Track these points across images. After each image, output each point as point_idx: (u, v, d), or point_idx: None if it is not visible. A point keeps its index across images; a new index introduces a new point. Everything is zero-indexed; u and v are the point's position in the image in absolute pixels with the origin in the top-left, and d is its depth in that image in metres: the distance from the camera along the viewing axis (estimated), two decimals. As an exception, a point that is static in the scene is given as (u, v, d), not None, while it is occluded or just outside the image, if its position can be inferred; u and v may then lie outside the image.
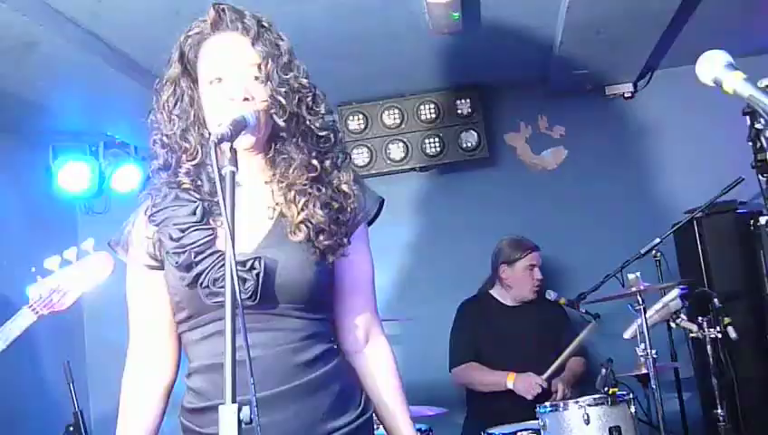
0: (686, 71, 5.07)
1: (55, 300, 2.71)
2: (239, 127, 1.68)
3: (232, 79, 1.80)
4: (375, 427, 2.00)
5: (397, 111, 5.32)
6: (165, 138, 1.87)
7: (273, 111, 1.81)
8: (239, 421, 1.36)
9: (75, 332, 5.18)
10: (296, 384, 1.80)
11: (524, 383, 4.24)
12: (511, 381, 4.27)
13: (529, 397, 4.19)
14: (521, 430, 3.86)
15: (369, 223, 2.01)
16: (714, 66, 1.57)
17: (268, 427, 1.73)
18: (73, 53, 3.84)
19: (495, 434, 3.86)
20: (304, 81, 1.86)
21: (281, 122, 1.83)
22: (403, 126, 5.32)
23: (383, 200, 2.02)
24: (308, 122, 1.87)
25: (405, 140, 5.31)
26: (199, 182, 1.87)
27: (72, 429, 4.01)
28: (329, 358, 1.88)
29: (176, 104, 1.86)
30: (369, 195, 1.99)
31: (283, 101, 1.82)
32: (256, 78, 1.81)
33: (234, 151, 1.60)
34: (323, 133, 1.89)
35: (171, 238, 1.83)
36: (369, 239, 2.02)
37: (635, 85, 5.33)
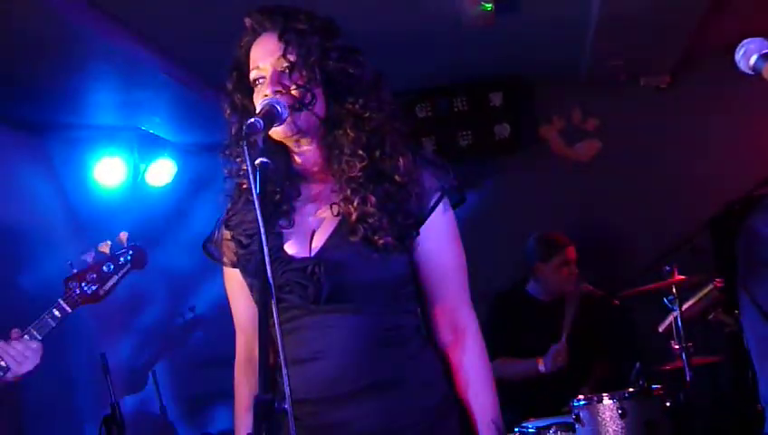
0: (723, 60, 5.03)
1: (90, 292, 2.76)
2: (270, 117, 1.69)
3: (267, 76, 1.81)
4: None
5: (429, 103, 5.30)
6: (228, 148, 1.90)
7: (305, 99, 1.78)
8: (271, 413, 1.36)
9: (111, 324, 5.24)
10: (371, 382, 1.79)
11: (550, 357, 4.24)
12: (540, 364, 4.27)
13: (560, 363, 4.19)
14: (555, 423, 3.83)
15: (455, 206, 1.91)
16: (752, 54, 1.54)
17: (344, 425, 1.77)
18: (108, 48, 3.88)
19: (529, 427, 3.84)
20: (333, 63, 1.80)
21: (319, 110, 1.81)
22: (435, 120, 5.30)
23: (459, 183, 1.90)
24: (349, 106, 1.82)
25: (437, 132, 5.29)
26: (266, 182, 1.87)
27: (108, 420, 4.07)
28: (409, 352, 1.85)
29: (233, 115, 1.89)
30: (438, 179, 1.87)
31: (311, 87, 1.78)
32: (284, 69, 1.80)
33: (266, 142, 1.60)
34: (368, 115, 1.82)
35: (241, 245, 1.87)
36: (453, 224, 1.90)
37: (671, 75, 5.24)
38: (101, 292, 2.77)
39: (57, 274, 2.86)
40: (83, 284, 2.75)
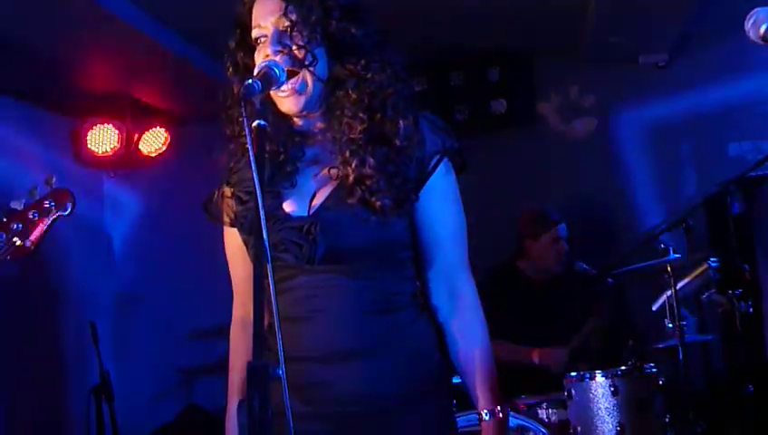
0: (722, 39, 5.02)
1: (17, 244, 2.45)
2: (267, 79, 1.66)
3: (268, 36, 1.78)
4: None
5: (425, 78, 5.25)
6: (229, 108, 1.87)
7: (306, 60, 1.75)
8: (267, 376, 1.34)
9: (101, 290, 5.21)
10: (361, 346, 1.77)
11: (549, 358, 4.22)
12: (536, 357, 4.25)
13: (556, 370, 4.16)
14: (546, 401, 3.83)
15: (457, 173, 1.89)
16: (763, 23, 1.51)
17: (329, 386, 1.76)
18: (101, 15, 3.82)
19: (520, 404, 3.83)
20: (335, 23, 1.76)
21: (321, 70, 1.78)
22: (431, 94, 5.25)
23: (460, 148, 1.88)
24: (351, 66, 1.78)
25: (433, 107, 5.23)
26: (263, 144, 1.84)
27: (98, 389, 4.06)
28: (402, 319, 1.82)
29: (236, 74, 1.86)
30: (441, 141, 1.86)
31: (312, 47, 1.75)
32: (285, 28, 1.76)
33: (266, 103, 1.57)
34: (370, 76, 1.78)
35: (240, 202, 1.85)
36: (455, 187, 1.89)
37: (670, 53, 5.21)
38: (28, 244, 2.45)
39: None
40: (8, 235, 2.43)
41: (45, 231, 2.47)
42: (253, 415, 1.32)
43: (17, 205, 2.45)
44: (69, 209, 2.49)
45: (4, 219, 2.43)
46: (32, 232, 2.44)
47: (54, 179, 2.49)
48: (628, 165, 5.19)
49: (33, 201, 2.45)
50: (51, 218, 2.47)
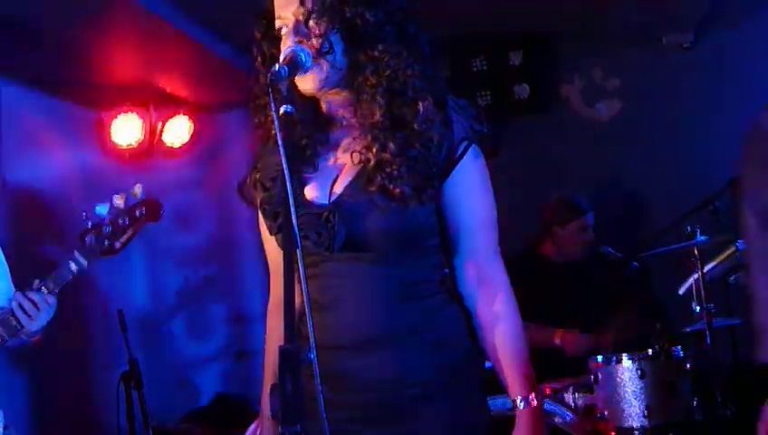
0: (749, 19, 4.94)
1: (106, 245, 2.73)
2: (294, 64, 1.68)
3: (289, 26, 1.79)
4: None
5: (447, 64, 5.22)
6: (257, 97, 1.88)
7: (322, 49, 1.75)
8: (297, 364, 1.35)
9: (129, 279, 5.25)
10: (385, 334, 1.77)
11: (570, 342, 4.21)
12: (558, 338, 4.24)
13: (578, 354, 4.15)
14: (572, 385, 3.81)
15: (487, 157, 1.87)
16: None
17: (355, 375, 1.76)
18: (125, 4, 3.83)
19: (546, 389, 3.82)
20: (350, 9, 1.76)
21: (340, 57, 1.78)
22: (453, 78, 5.23)
23: (490, 132, 1.88)
24: (369, 52, 1.77)
25: (455, 92, 5.21)
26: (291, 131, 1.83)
27: (127, 376, 4.09)
28: (428, 307, 1.81)
29: (263, 63, 1.87)
30: (469, 125, 1.85)
31: (329, 35, 1.75)
32: (302, 17, 1.77)
33: (292, 89, 1.57)
34: (387, 61, 1.77)
35: (264, 188, 1.86)
36: (484, 171, 1.87)
37: (696, 34, 5.14)
38: (117, 245, 2.74)
39: (73, 231, 2.85)
40: (99, 237, 2.72)
41: (133, 235, 2.76)
42: (285, 399, 1.33)
43: (102, 210, 2.73)
44: (158, 218, 2.78)
45: (94, 223, 2.72)
46: (121, 236, 2.74)
47: (141, 188, 2.75)
48: (654, 148, 5.14)
49: (122, 208, 2.73)
50: (140, 225, 2.75)
